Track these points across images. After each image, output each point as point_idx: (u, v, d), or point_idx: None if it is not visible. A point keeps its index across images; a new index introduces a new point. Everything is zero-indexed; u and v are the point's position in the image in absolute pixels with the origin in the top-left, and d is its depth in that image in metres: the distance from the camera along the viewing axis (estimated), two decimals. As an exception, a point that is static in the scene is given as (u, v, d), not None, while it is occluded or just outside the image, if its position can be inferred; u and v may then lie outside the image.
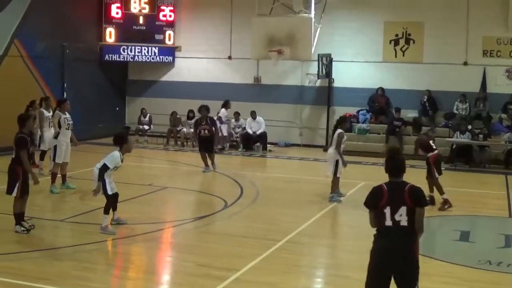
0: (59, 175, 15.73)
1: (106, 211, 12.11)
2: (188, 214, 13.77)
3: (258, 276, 9.64)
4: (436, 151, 15.18)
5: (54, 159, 15.70)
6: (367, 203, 7.01)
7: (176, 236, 12.33)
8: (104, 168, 11.92)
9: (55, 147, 15.72)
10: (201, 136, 19.43)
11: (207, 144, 19.43)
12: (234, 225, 13.02)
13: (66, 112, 15.93)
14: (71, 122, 15.94)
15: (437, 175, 14.83)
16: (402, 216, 6.69)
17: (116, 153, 12.08)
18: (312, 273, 10.39)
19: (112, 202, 12.21)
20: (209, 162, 19.22)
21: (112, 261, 10.91)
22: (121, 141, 12.35)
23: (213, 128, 19.74)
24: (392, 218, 6.70)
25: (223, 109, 24.60)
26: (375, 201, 6.88)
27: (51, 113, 17.09)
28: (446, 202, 14.61)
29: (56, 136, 15.79)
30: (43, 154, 17.75)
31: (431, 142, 15.30)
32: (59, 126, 15.74)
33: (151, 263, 10.60)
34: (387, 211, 6.73)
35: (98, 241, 11.50)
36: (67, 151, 15.88)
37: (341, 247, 11.83)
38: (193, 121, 25.22)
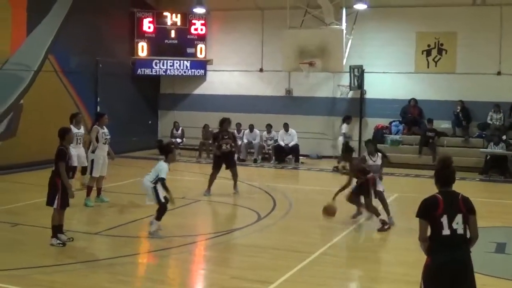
0: (94, 189, 15.86)
1: (159, 218, 12.67)
2: (221, 227, 13.79)
3: (292, 289, 9.64)
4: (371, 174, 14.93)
5: (91, 173, 15.84)
6: (421, 214, 6.84)
7: (210, 249, 12.34)
8: (162, 180, 12.50)
9: (92, 161, 15.85)
10: (223, 151, 18.12)
11: (228, 159, 18.23)
12: (268, 238, 13.00)
13: (104, 127, 16.06)
14: (108, 137, 16.05)
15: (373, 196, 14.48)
16: (458, 224, 6.68)
17: (165, 164, 12.70)
18: (346, 285, 10.35)
19: (164, 210, 12.69)
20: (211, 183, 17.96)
21: (146, 273, 10.94)
22: (167, 150, 13.07)
23: (235, 143, 18.82)
24: (450, 227, 6.66)
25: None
26: (430, 211, 6.77)
27: (81, 130, 17.15)
28: (384, 223, 14.08)
29: (93, 151, 15.90)
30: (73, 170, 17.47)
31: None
32: (97, 141, 15.85)
33: (185, 276, 10.63)
34: (444, 220, 6.68)
35: (132, 254, 11.58)
36: (104, 165, 15.99)
37: (375, 260, 11.75)
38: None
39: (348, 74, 24.59)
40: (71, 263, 10.66)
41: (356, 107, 25.60)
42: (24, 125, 21.36)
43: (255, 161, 24.96)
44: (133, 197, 16.37)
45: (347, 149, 15.51)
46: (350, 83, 24.64)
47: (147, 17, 27.44)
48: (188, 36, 27.84)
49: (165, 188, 12.65)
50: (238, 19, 27.46)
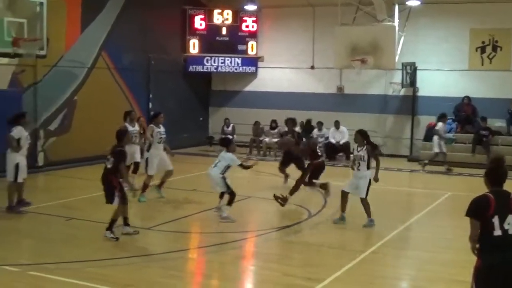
0: (151, 185, 15.99)
1: (230, 203, 13.77)
2: (272, 224, 13.78)
3: (342, 287, 9.59)
4: (321, 159, 15.47)
5: (146, 171, 15.99)
6: (472, 213, 6.64)
7: (260, 245, 12.36)
8: (240, 164, 14.16)
9: (147, 159, 15.99)
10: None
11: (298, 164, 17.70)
12: (318, 235, 12.98)
13: (160, 126, 16.18)
14: (163, 136, 16.13)
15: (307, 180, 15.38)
16: (510, 225, 6.51)
17: (229, 153, 14.01)
18: (396, 285, 10.27)
19: (234, 196, 13.81)
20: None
21: (198, 269, 11.03)
22: (228, 142, 14.41)
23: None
24: (501, 227, 6.49)
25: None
26: (481, 211, 6.59)
27: (135, 127, 17.28)
28: (285, 199, 14.92)
29: (148, 149, 16.04)
30: (136, 166, 17.26)
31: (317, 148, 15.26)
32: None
33: (236, 272, 10.65)
34: (496, 220, 6.51)
35: (184, 249, 11.68)
36: (161, 163, 16.08)
37: (427, 259, 11.60)
38: (276, 130, 25.47)
39: (400, 72, 24.41)
40: (124, 257, 10.78)
41: (408, 105, 25.38)
42: (77, 121, 21.69)
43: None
44: (185, 193, 16.51)
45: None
46: (402, 80, 24.45)
47: (199, 14, 27.62)
48: (240, 33, 27.93)
49: (246, 167, 14.44)
50: (289, 16, 27.44)
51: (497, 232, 6.50)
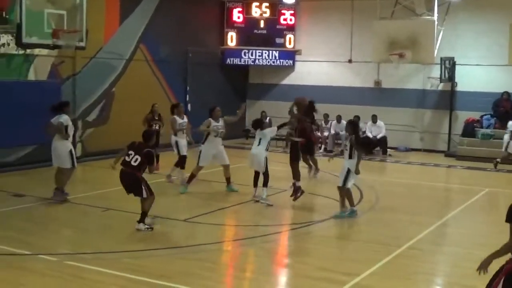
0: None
1: (266, 185, 14.83)
2: (307, 217, 13.77)
3: (378, 282, 9.55)
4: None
5: (198, 163, 16.04)
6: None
7: (295, 239, 12.35)
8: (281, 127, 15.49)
9: (200, 151, 16.03)
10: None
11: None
12: (354, 230, 12.94)
13: (219, 120, 16.25)
14: (221, 130, 16.18)
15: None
16: None
17: (267, 129, 15.35)
18: (432, 280, 10.19)
19: (268, 177, 14.93)
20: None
21: (232, 261, 11.05)
22: (261, 123, 15.51)
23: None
24: None
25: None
26: None
27: (184, 119, 17.33)
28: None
29: (204, 142, 16.10)
30: (183, 160, 17.20)
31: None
32: (209, 133, 16.02)
33: (270, 265, 10.66)
34: None
35: (218, 241, 11.72)
36: (218, 156, 16.20)
37: (463, 256, 11.49)
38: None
39: (438, 66, 24.18)
40: (159, 248, 10.83)
41: (446, 100, 25.14)
42: (115, 113, 21.89)
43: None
44: (220, 185, 16.54)
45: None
46: (441, 75, 24.22)
47: (237, 7, 27.65)
48: (277, 26, 27.90)
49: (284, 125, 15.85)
50: (327, 10, 27.34)
51: None
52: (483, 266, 6.52)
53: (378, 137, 24.59)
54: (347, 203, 13.73)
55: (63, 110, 14.66)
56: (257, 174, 15.19)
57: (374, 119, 24.85)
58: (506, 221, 6.32)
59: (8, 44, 18.14)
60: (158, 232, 12.09)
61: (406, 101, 25.92)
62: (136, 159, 12.02)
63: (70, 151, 14.55)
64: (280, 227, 13.12)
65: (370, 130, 24.80)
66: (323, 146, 25.42)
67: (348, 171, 13.65)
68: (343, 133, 24.88)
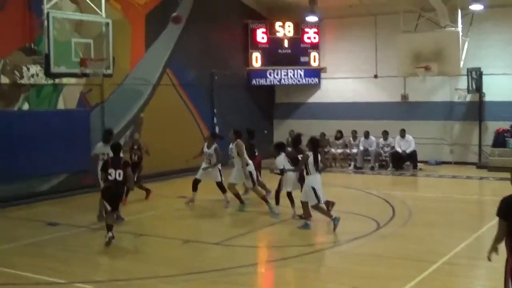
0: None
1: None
2: (340, 236, 13.70)
3: (415, 299, 9.50)
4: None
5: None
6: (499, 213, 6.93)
7: (329, 258, 12.31)
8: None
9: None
10: None
11: None
12: (388, 247, 12.85)
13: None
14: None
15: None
16: None
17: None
18: (471, 295, 10.11)
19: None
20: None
21: (268, 283, 11.03)
22: (283, 147, 15.70)
23: None
24: None
25: None
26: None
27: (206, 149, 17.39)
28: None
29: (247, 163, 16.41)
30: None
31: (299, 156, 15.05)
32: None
33: (306, 285, 10.61)
34: None
35: (252, 263, 11.70)
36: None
37: (500, 269, 11.37)
38: (341, 141, 25.38)
39: (465, 77, 24.09)
40: (194, 273, 10.85)
41: (475, 111, 24.98)
42: (143, 137, 21.95)
43: (372, 168, 24.76)
44: (251, 207, 16.54)
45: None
46: (468, 86, 24.13)
47: (261, 27, 27.77)
48: (301, 45, 27.97)
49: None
50: (350, 26, 27.37)
51: None
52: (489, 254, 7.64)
53: (408, 151, 24.43)
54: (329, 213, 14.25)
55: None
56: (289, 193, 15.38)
57: (403, 133, 24.71)
58: (497, 215, 7.10)
59: (37, 75, 18.40)
60: (191, 256, 12.12)
61: (434, 114, 25.78)
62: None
63: None
64: (313, 247, 13.07)
65: (399, 145, 24.64)
66: (352, 163, 25.34)
67: (314, 188, 13.91)
68: (372, 149, 24.87)
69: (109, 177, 12.95)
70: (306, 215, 14.29)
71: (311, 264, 11.99)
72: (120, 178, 12.93)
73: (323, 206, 14.31)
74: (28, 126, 17.90)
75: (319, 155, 14.09)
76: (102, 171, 13.54)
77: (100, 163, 14.60)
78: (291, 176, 15.13)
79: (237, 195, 16.60)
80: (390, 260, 11.65)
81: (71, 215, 15.89)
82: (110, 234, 12.81)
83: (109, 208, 13.08)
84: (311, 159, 13.91)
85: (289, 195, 15.43)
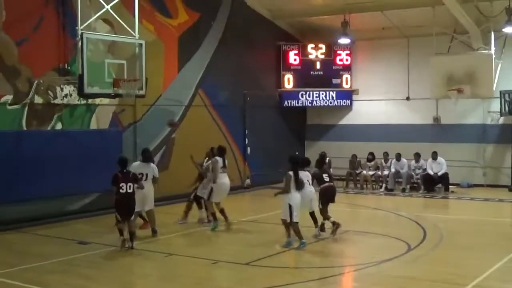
0: None
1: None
2: (370, 258, 13.61)
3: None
4: (326, 184, 15.79)
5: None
6: None
7: (359, 280, 12.22)
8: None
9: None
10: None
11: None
12: (419, 269, 12.74)
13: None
14: None
15: (320, 206, 15.57)
16: None
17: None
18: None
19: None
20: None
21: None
22: (309, 162, 16.33)
23: None
24: None
25: None
26: None
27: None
28: (334, 224, 15.39)
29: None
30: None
31: (324, 175, 15.89)
32: None
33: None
34: None
35: (285, 284, 11.64)
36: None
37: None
38: (373, 163, 25.27)
39: (498, 100, 23.91)
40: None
41: (508, 134, 24.76)
42: (176, 158, 22.11)
43: (403, 190, 24.62)
44: (280, 228, 16.52)
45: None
46: (501, 108, 23.95)
47: (293, 49, 27.86)
48: (333, 67, 27.99)
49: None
50: (383, 48, 27.35)
51: None
52: None
53: (439, 174, 24.23)
54: (292, 234, 14.45)
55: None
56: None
57: (435, 156, 24.51)
58: None
59: (71, 95, 18.63)
60: (222, 276, 12.14)
61: (467, 136, 25.59)
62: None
63: None
64: (345, 268, 13.02)
65: (431, 167, 24.45)
66: (384, 185, 25.22)
67: (290, 206, 14.08)
68: (404, 171, 24.74)
69: (121, 191, 14.09)
70: (300, 236, 14.38)
71: (340, 285, 11.97)
72: (131, 190, 14.21)
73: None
74: (61, 145, 18.10)
75: (299, 174, 14.36)
76: (113, 185, 14.22)
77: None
78: (307, 195, 15.17)
79: (213, 214, 16.77)
80: (421, 282, 11.55)
81: (102, 234, 15.98)
82: (122, 237, 14.26)
83: (119, 218, 14.26)
84: (292, 178, 14.21)
85: (312, 214, 15.57)
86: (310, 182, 15.40)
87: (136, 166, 15.74)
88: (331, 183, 16.13)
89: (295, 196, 14.21)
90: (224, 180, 16.86)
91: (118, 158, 14.74)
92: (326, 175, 16.12)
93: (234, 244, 15.33)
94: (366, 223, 18.62)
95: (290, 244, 14.44)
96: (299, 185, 14.28)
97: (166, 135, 22.07)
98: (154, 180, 15.85)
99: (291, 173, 14.27)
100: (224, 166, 16.95)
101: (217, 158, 16.89)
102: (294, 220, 14.20)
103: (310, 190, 15.33)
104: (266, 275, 12.34)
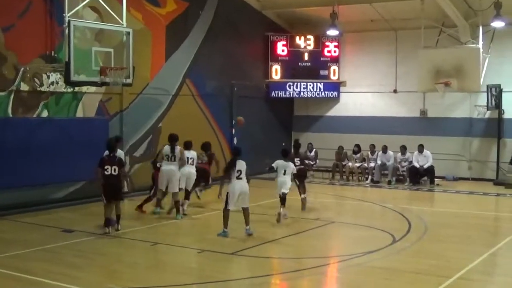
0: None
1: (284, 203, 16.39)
2: (355, 249, 13.65)
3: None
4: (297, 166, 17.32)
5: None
6: None
7: (343, 271, 12.25)
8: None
9: None
10: None
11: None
12: (403, 261, 12.79)
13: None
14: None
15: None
16: None
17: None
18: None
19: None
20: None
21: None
22: (289, 152, 17.36)
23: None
24: None
25: None
26: None
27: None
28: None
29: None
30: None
31: (296, 159, 17.81)
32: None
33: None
34: None
35: (266, 274, 11.67)
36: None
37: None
38: (359, 155, 25.34)
39: (485, 94, 23.99)
40: (210, 282, 10.85)
41: (494, 128, 24.85)
42: (162, 148, 22.00)
43: (389, 182, 24.69)
44: (267, 218, 16.54)
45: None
46: (488, 103, 24.02)
47: (281, 40, 27.83)
48: (321, 58, 28.00)
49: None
50: (371, 40, 27.37)
51: None
52: None
53: (425, 166, 24.30)
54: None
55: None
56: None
57: (421, 148, 24.58)
58: None
59: (57, 83, 18.54)
60: (207, 265, 12.14)
61: (453, 130, 25.68)
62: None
63: None
64: (328, 259, 13.05)
65: (417, 160, 24.53)
66: (370, 177, 25.28)
67: (227, 194, 14.52)
68: (390, 163, 24.82)
69: (106, 173, 14.50)
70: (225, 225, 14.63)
71: (325, 276, 11.99)
72: (115, 173, 14.56)
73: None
74: (47, 133, 18.02)
75: (237, 163, 14.60)
76: (99, 167, 14.59)
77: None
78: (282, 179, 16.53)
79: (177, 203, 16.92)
80: (405, 274, 11.60)
81: (87, 222, 15.93)
82: (108, 229, 14.56)
83: (105, 201, 14.60)
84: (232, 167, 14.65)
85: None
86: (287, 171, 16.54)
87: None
88: (301, 166, 18.14)
89: (234, 184, 14.47)
90: (168, 167, 16.94)
91: (106, 141, 15.25)
92: (298, 159, 18.18)
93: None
94: (352, 214, 18.68)
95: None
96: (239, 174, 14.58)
97: (153, 124, 22.02)
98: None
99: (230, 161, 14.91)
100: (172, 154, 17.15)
101: (166, 146, 17.15)
102: (228, 208, 14.51)
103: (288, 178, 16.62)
104: (251, 265, 12.37)
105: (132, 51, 17.89)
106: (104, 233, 14.50)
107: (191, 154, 17.55)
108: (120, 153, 15.76)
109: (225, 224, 14.48)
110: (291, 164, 16.63)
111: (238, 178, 14.45)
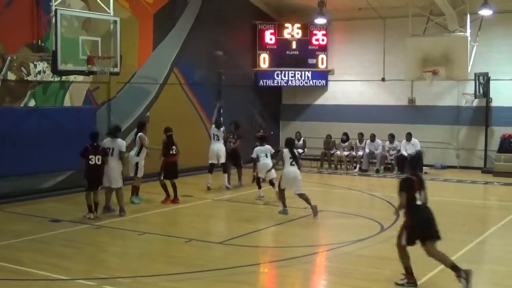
0: None
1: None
2: (344, 238, 13.67)
3: (417, 301, 9.46)
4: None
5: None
6: None
7: (332, 260, 12.28)
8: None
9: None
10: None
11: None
12: (392, 249, 12.75)
13: None
14: None
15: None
16: None
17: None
18: (473, 299, 10.06)
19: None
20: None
21: (271, 283, 11.03)
22: (267, 138, 19.27)
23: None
24: None
25: None
26: None
27: None
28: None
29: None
30: None
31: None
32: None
33: (307, 286, 10.63)
34: None
35: (255, 263, 11.69)
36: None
37: (504, 274, 11.33)
38: (347, 143, 25.40)
39: (473, 82, 24.03)
40: (196, 271, 10.86)
41: (481, 116, 24.93)
42: (150, 136, 21.93)
43: (377, 171, 24.73)
44: (255, 207, 16.55)
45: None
46: (475, 91, 24.07)
47: (269, 29, 27.78)
48: (309, 47, 27.96)
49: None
50: (359, 29, 27.35)
51: None
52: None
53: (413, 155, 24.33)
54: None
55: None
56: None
57: (409, 137, 24.59)
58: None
59: (44, 72, 18.44)
60: (195, 254, 12.12)
61: (441, 118, 25.75)
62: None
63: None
64: (317, 248, 13.07)
65: (405, 148, 24.52)
66: (358, 166, 25.30)
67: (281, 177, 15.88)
68: (378, 152, 24.85)
69: (90, 162, 14.97)
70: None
71: (314, 265, 12.01)
72: (99, 163, 15.06)
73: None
74: (34, 123, 17.91)
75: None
76: (82, 157, 15.03)
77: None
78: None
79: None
80: (393, 262, 11.58)
81: (74, 212, 15.87)
82: (91, 215, 15.09)
83: (86, 186, 15.04)
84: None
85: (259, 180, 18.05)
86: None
87: (106, 142, 15.79)
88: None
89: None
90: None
91: (90, 133, 15.43)
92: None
93: (208, 223, 15.34)
94: (340, 203, 18.70)
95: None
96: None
97: (141, 113, 21.94)
98: (121, 154, 15.78)
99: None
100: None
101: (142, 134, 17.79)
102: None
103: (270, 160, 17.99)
104: (239, 254, 12.37)
105: (120, 40, 17.82)
106: (88, 218, 14.92)
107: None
108: (121, 142, 15.96)
109: (284, 203, 15.77)
110: (268, 147, 18.37)
111: (291, 164, 15.67)
